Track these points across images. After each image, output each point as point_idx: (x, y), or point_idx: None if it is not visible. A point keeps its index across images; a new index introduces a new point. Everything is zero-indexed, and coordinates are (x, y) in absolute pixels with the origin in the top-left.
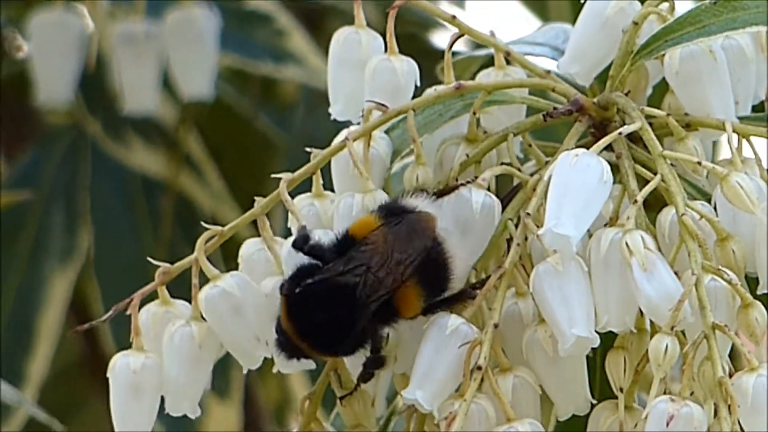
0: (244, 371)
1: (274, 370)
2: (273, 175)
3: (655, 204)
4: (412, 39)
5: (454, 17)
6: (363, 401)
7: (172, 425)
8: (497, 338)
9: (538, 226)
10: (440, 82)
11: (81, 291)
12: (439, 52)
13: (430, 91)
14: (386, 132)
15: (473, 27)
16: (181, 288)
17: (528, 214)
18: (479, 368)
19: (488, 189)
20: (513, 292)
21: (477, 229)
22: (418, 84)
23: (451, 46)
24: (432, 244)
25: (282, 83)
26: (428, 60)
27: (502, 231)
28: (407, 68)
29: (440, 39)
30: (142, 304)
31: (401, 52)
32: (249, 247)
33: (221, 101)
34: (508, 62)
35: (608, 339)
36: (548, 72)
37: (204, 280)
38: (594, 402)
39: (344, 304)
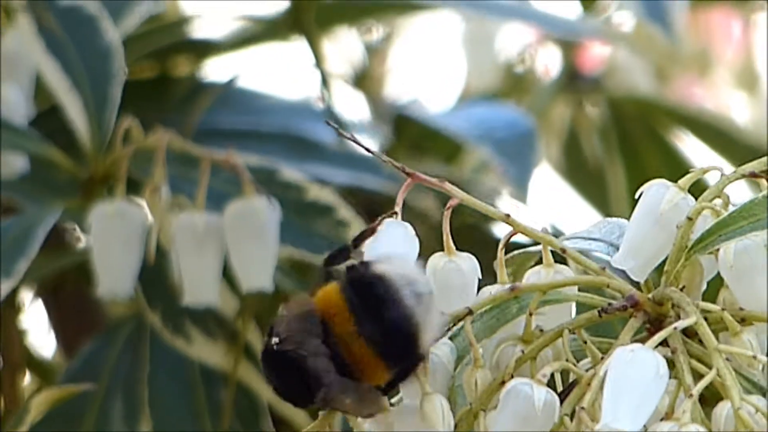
0: None
1: None
2: None
3: (710, 399)
4: (472, 230)
5: (508, 215)
6: None
7: None
8: None
9: (592, 420)
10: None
11: None
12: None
13: (485, 291)
14: (450, 338)
15: (528, 224)
16: None
17: (583, 408)
18: None
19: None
20: None
21: (536, 425)
22: (480, 277)
23: (504, 246)
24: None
25: None
26: (490, 251)
27: (558, 427)
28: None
29: (501, 229)
30: None
31: (462, 243)
32: None
33: (280, 291)
34: (563, 260)
35: None
36: (603, 268)
37: None
38: None
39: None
